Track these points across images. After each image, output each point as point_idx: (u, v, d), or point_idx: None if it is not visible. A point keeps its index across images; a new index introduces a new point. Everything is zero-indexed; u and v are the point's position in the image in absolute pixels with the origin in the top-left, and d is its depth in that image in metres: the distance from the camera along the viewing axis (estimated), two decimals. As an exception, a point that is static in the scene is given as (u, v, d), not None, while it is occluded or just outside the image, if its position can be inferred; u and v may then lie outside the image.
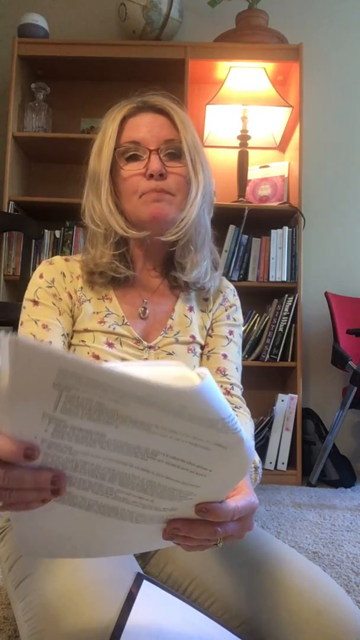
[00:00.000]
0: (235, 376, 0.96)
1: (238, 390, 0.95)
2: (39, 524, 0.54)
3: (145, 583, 0.70)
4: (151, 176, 0.88)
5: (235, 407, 0.92)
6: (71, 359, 0.42)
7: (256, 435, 2.41)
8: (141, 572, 0.73)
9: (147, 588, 0.69)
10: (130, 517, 0.53)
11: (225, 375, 0.95)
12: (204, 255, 0.96)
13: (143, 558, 0.86)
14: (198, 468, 0.50)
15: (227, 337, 0.98)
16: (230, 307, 1.01)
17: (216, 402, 0.46)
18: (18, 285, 2.33)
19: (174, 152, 0.91)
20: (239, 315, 1.02)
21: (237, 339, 1.00)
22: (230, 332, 0.99)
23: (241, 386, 0.97)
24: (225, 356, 0.96)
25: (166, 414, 0.45)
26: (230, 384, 0.94)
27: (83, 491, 0.51)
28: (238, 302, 1.03)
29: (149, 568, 0.85)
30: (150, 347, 0.92)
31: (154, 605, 0.68)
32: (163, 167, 0.89)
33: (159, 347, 0.93)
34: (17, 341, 0.41)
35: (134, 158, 0.90)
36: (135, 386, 0.44)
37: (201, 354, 0.97)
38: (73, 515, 0.53)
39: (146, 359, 0.91)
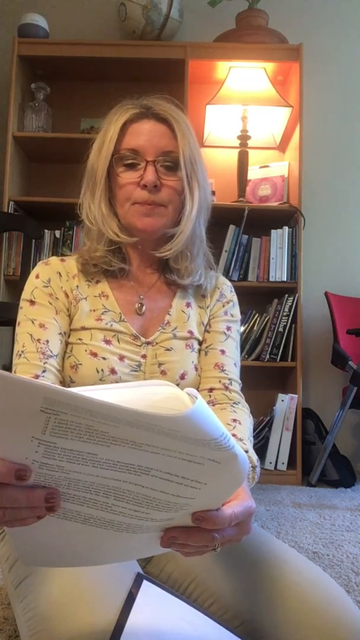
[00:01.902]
0: (234, 372, 0.97)
1: (237, 386, 0.96)
2: (36, 538, 0.54)
3: (145, 583, 0.70)
4: (145, 186, 0.90)
5: (234, 402, 0.93)
6: (56, 390, 0.42)
7: (256, 435, 2.41)
8: (141, 572, 0.73)
9: (147, 588, 0.69)
10: (127, 528, 0.53)
11: (223, 370, 0.95)
12: (198, 263, 0.98)
13: (143, 558, 0.86)
14: (192, 482, 0.50)
15: (224, 333, 0.99)
16: (227, 302, 1.02)
17: (208, 424, 0.46)
18: (18, 285, 2.33)
19: (171, 165, 0.92)
20: (236, 311, 1.03)
21: (235, 334, 1.01)
22: (228, 328, 1.00)
23: (240, 381, 0.97)
24: (223, 352, 0.97)
25: (157, 435, 0.45)
26: (229, 379, 0.95)
27: (78, 506, 0.51)
28: (235, 298, 1.04)
29: (149, 568, 0.85)
30: (148, 343, 0.93)
31: (154, 606, 0.68)
32: (157, 179, 0.90)
33: (156, 343, 0.93)
34: None
35: (131, 166, 0.92)
36: (125, 414, 0.44)
37: (199, 350, 0.98)
38: (70, 528, 0.53)
39: (144, 355, 0.92)
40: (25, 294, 0.92)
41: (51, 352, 0.87)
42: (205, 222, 0.99)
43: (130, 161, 0.92)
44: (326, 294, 2.58)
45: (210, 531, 0.56)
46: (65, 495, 0.50)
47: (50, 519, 0.51)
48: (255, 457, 0.81)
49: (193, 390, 0.48)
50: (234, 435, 0.81)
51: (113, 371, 0.88)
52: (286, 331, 2.47)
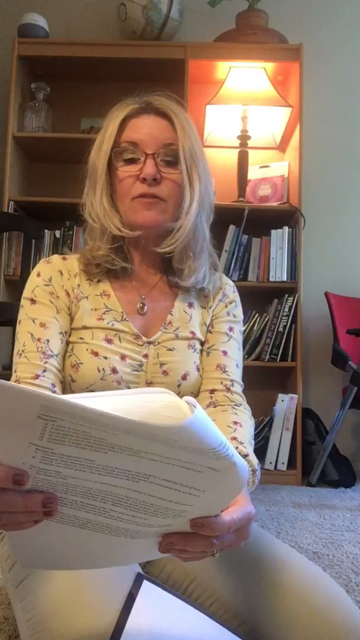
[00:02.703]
0: (236, 373, 0.96)
1: (238, 387, 0.95)
2: (34, 541, 0.54)
3: (145, 583, 0.70)
4: (144, 180, 0.89)
5: (236, 404, 0.92)
6: (53, 398, 0.42)
7: (256, 435, 2.41)
8: (141, 572, 0.73)
9: (147, 588, 0.69)
10: (125, 533, 0.53)
11: (225, 372, 0.95)
12: (201, 262, 0.96)
13: (143, 558, 0.86)
14: (191, 489, 0.50)
15: (227, 334, 0.98)
16: (230, 303, 1.01)
17: (207, 434, 0.46)
18: (18, 285, 2.33)
19: (171, 159, 0.91)
20: (238, 312, 1.02)
21: (237, 335, 1.00)
22: (230, 329, 0.99)
23: (242, 383, 0.97)
24: (225, 353, 0.96)
25: (156, 443, 0.45)
26: (231, 381, 0.94)
27: (76, 511, 0.51)
28: (238, 298, 1.03)
29: (149, 568, 0.85)
30: (149, 343, 0.92)
31: (154, 606, 0.68)
32: (157, 173, 0.90)
33: (158, 343, 0.93)
34: None
35: (130, 160, 0.92)
36: (122, 424, 0.44)
37: (201, 351, 0.97)
38: (67, 532, 0.53)
39: (146, 354, 0.91)
40: (27, 293, 0.92)
41: (52, 351, 0.87)
42: (208, 220, 0.98)
43: (130, 155, 0.91)
44: (326, 294, 2.58)
45: (208, 537, 0.56)
46: (63, 500, 0.49)
47: (48, 523, 0.51)
48: (255, 461, 0.80)
49: (192, 399, 0.48)
50: (234, 438, 0.81)
51: (114, 370, 0.88)
52: (286, 331, 2.47)
